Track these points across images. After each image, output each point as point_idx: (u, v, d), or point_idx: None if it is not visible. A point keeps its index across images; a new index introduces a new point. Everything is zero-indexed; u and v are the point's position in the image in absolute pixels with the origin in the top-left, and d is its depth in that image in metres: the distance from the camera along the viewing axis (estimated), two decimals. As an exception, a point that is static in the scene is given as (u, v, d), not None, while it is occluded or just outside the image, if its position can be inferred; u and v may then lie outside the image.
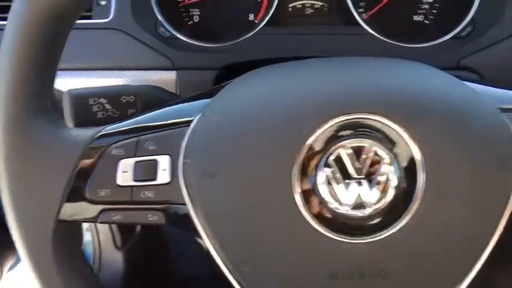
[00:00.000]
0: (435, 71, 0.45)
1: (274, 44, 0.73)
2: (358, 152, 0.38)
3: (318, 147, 0.38)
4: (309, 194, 0.38)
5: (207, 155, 0.39)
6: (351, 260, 0.38)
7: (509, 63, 0.65)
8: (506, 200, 0.39)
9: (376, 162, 0.38)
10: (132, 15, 0.66)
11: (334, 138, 0.38)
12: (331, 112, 0.38)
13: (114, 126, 0.43)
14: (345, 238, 0.38)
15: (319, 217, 0.38)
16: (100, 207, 0.41)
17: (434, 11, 0.79)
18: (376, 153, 0.38)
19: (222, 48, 0.70)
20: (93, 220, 0.41)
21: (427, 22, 0.79)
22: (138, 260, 0.94)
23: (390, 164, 0.38)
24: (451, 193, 0.38)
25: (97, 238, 0.93)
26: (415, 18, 0.80)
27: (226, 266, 0.39)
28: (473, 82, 0.45)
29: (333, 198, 0.38)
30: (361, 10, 0.80)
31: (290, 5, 0.80)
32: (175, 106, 0.44)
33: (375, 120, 0.38)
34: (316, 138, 0.38)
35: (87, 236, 0.97)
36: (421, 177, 0.37)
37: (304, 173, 0.38)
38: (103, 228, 0.90)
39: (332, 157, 0.38)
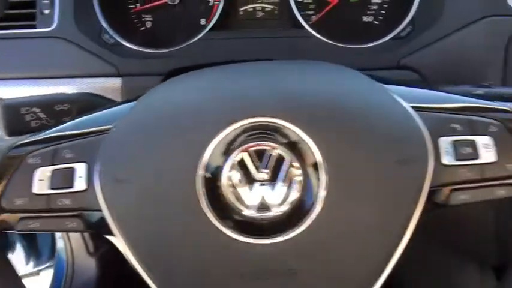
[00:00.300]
0: (348, 73, 0.46)
1: (223, 48, 0.74)
2: (261, 154, 0.39)
3: (221, 150, 0.39)
4: (214, 197, 0.39)
5: (116, 161, 0.40)
6: (259, 261, 0.39)
7: (447, 62, 0.66)
8: (413, 198, 0.40)
9: (279, 164, 0.39)
10: (75, 23, 0.66)
11: (237, 141, 0.39)
12: (234, 116, 0.39)
13: (33, 135, 0.43)
14: (251, 239, 0.39)
15: (225, 219, 0.38)
16: (19, 215, 0.41)
17: (383, 12, 0.80)
18: (279, 156, 0.39)
19: (168, 54, 0.71)
20: (11, 229, 0.41)
21: (377, 23, 0.80)
22: (111, 267, 0.94)
23: (293, 166, 0.39)
24: (354, 193, 0.39)
25: (69, 245, 0.94)
26: (365, 19, 0.81)
27: (141, 269, 0.40)
28: (402, 82, 0.47)
29: (238, 200, 0.39)
30: (310, 12, 0.81)
31: (241, 9, 0.81)
32: (95, 114, 0.45)
33: (277, 123, 0.39)
34: (219, 141, 0.39)
35: (59, 243, 0.97)
36: (323, 178, 0.38)
37: (208, 175, 0.39)
38: (75, 235, 0.90)
39: (235, 160, 0.39)
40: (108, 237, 0.41)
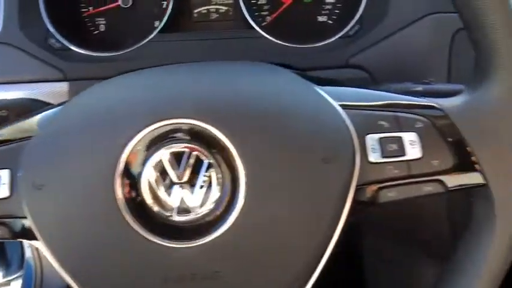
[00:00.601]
0: (278, 72, 0.45)
1: (174, 50, 0.73)
2: (179, 156, 0.38)
3: (139, 153, 0.39)
4: (133, 200, 0.38)
5: (36, 166, 0.39)
6: (182, 264, 0.38)
7: (393, 60, 0.66)
8: (339, 197, 0.40)
9: (198, 166, 0.38)
10: (20, 28, 0.66)
11: (155, 144, 0.38)
12: (150, 118, 0.39)
13: None
14: (173, 243, 0.38)
15: (145, 223, 0.38)
16: None
17: (337, 11, 0.80)
18: (197, 158, 0.38)
19: (117, 57, 0.70)
20: None
21: (331, 22, 0.80)
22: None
23: (211, 167, 0.38)
24: (276, 193, 0.39)
25: (37, 254, 0.92)
26: (320, 18, 0.81)
27: (66, 275, 0.39)
28: (334, 81, 0.46)
29: (158, 204, 0.38)
30: (265, 13, 0.80)
31: (195, 11, 0.80)
32: (23, 119, 0.44)
33: (194, 124, 0.39)
34: (136, 144, 0.38)
35: (28, 252, 0.96)
36: (242, 179, 0.38)
37: (127, 178, 0.38)
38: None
39: (154, 163, 0.38)
40: (36, 244, 0.41)
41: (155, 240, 0.38)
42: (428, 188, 0.42)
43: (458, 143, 0.42)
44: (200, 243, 0.38)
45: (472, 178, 0.42)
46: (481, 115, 0.41)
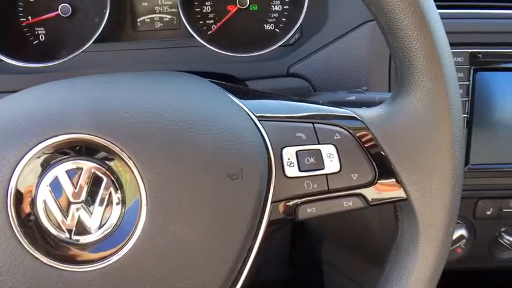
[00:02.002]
0: (198, 84, 0.42)
1: (112, 60, 0.70)
2: (76, 174, 0.35)
3: (34, 170, 0.35)
4: (29, 221, 0.34)
5: None
6: None
7: (333, 68, 0.63)
8: (253, 214, 0.37)
9: (95, 184, 0.35)
10: None
11: (49, 160, 0.35)
12: (45, 133, 0.35)
13: None
14: (71, 267, 0.34)
15: (41, 245, 0.34)
16: None
17: (284, 19, 0.77)
18: (95, 175, 0.35)
19: (53, 68, 0.66)
20: None
21: (278, 31, 0.77)
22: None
23: (111, 185, 0.35)
24: (179, 214, 0.35)
25: None
26: (266, 27, 0.78)
27: None
28: (260, 93, 0.43)
29: (54, 224, 0.34)
30: (210, 22, 0.77)
31: (138, 20, 0.77)
32: None
33: (92, 140, 0.35)
34: (29, 161, 0.34)
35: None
36: (144, 198, 0.34)
37: (21, 198, 0.34)
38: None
39: (49, 181, 0.34)
40: None
41: (52, 264, 0.34)
42: (349, 203, 0.39)
43: (377, 156, 0.39)
44: (100, 266, 0.34)
45: (393, 192, 0.39)
46: (399, 126, 0.39)
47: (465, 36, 0.63)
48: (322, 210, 0.39)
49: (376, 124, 0.39)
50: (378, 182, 0.39)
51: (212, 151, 0.36)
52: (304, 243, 0.90)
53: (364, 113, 0.40)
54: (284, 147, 0.38)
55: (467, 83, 0.63)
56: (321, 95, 0.57)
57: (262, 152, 0.37)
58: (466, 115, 0.64)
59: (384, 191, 0.39)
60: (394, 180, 0.39)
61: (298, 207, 0.39)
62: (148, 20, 0.78)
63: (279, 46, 0.67)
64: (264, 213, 0.37)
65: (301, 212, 0.39)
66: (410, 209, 0.39)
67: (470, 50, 0.63)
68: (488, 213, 0.71)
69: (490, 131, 0.66)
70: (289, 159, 0.38)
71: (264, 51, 0.67)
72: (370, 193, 0.39)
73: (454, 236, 0.73)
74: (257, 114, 0.40)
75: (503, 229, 0.75)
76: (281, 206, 0.38)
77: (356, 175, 0.38)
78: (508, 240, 0.74)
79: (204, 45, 0.68)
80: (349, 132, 0.39)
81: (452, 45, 0.63)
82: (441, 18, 0.62)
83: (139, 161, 0.34)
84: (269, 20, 0.77)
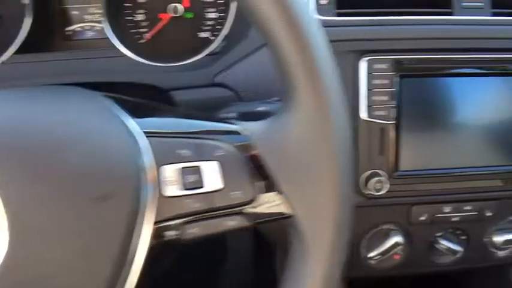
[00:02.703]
0: (74, 98, 0.40)
1: (35, 71, 0.67)
2: None
3: None
4: None
5: None
6: None
7: (257, 77, 0.62)
8: (123, 238, 0.34)
9: None
10: None
11: None
12: None
13: None
14: None
15: None
16: None
17: (219, 27, 0.75)
18: None
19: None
20: None
21: (213, 38, 0.75)
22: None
23: None
24: (43, 238, 0.33)
25: None
26: (202, 35, 0.76)
27: None
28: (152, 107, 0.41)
29: None
30: (143, 30, 0.75)
31: (67, 29, 0.74)
32: None
33: None
34: None
35: None
36: (4, 224, 0.32)
37: None
38: None
39: None
40: None
41: None
42: (232, 223, 0.37)
43: (262, 172, 0.37)
44: None
45: (278, 209, 0.37)
46: (283, 142, 0.37)
47: (388, 43, 0.61)
48: (206, 229, 0.37)
49: (261, 139, 0.37)
50: (262, 199, 0.37)
51: (80, 172, 0.34)
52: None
53: (251, 127, 0.38)
54: (164, 164, 0.36)
55: (393, 89, 0.62)
56: (235, 106, 0.56)
57: (136, 171, 0.35)
58: (394, 122, 0.63)
59: (269, 208, 0.37)
60: (278, 197, 0.37)
61: (182, 227, 0.37)
62: (79, 28, 0.75)
63: (206, 55, 0.65)
64: (140, 235, 0.35)
65: (185, 233, 0.37)
66: (297, 226, 0.37)
67: (394, 57, 0.61)
68: (423, 218, 0.70)
69: (419, 137, 0.64)
70: (169, 177, 0.36)
71: (189, 61, 0.65)
72: (254, 211, 0.37)
73: (389, 243, 0.71)
74: (142, 130, 0.37)
75: (439, 234, 0.73)
76: (163, 227, 0.36)
77: (239, 192, 0.36)
78: (444, 245, 0.73)
79: (127, 55, 0.66)
80: (233, 148, 0.37)
81: (375, 52, 0.62)
82: (364, 26, 0.62)
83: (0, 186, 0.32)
84: (204, 28, 0.75)
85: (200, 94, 0.63)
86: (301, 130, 0.36)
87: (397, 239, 0.71)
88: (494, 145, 0.67)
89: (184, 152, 0.37)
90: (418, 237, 0.73)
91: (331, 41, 0.59)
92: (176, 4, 0.73)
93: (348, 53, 0.61)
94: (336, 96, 0.36)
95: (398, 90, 0.62)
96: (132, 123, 0.38)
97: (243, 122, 0.40)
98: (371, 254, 0.72)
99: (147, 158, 0.36)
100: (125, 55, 0.69)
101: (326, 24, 0.60)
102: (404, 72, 0.62)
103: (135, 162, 0.35)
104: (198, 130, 0.38)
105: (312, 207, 0.36)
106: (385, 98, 0.62)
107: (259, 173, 0.37)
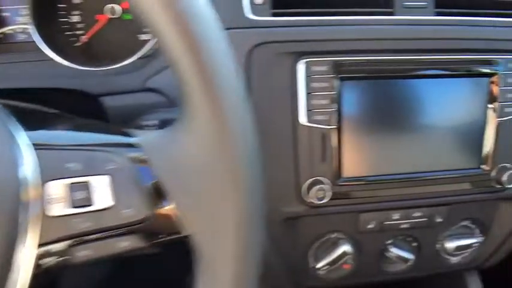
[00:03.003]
0: None
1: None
2: None
3: None
4: None
5: None
6: None
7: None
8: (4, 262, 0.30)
9: None
10: None
11: None
12: None
13: None
14: None
15: None
16: None
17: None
18: None
19: None
20: None
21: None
22: None
23: None
24: None
25: None
26: (142, 37, 0.72)
27: None
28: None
29: None
30: (80, 32, 0.71)
31: (-1, 31, 0.70)
32: None
33: None
34: None
35: None
36: None
37: None
38: None
39: None
40: None
41: None
42: (125, 244, 0.33)
43: (156, 189, 0.33)
44: None
45: (174, 229, 0.33)
46: (174, 153, 0.33)
47: (327, 44, 0.58)
48: (100, 252, 0.33)
49: (154, 152, 0.33)
50: (157, 217, 0.33)
51: None
52: None
53: (147, 138, 0.34)
54: (50, 180, 0.32)
55: (333, 93, 0.59)
56: (158, 112, 0.52)
57: (15, 187, 0.31)
58: (335, 126, 0.60)
59: (163, 228, 0.33)
60: (174, 215, 0.33)
61: (70, 250, 0.33)
62: (10, 31, 0.71)
63: (139, 58, 0.61)
64: (21, 261, 0.31)
65: (75, 256, 0.33)
66: (196, 247, 0.33)
67: (333, 59, 0.58)
68: (371, 226, 0.67)
69: (362, 142, 0.61)
70: (56, 194, 0.32)
71: (119, 65, 0.61)
72: (149, 231, 0.33)
73: (337, 253, 0.68)
74: (32, 143, 0.34)
75: (389, 242, 0.71)
76: (48, 251, 0.32)
77: (131, 210, 0.33)
78: (394, 253, 0.70)
79: (52, 59, 0.61)
80: (126, 161, 0.33)
81: (314, 54, 0.59)
82: (301, 26, 0.58)
83: None
84: (145, 30, 0.71)
85: (131, 99, 0.59)
86: (194, 141, 0.32)
87: (345, 248, 0.68)
88: (442, 149, 0.64)
89: (73, 166, 0.33)
90: (368, 246, 0.70)
91: (267, 43, 0.57)
92: (113, 5, 0.69)
93: (285, 54, 0.57)
94: (235, 102, 0.32)
95: (338, 93, 0.59)
96: (22, 135, 0.34)
97: (144, 132, 0.36)
98: (319, 265, 0.69)
99: (32, 173, 0.32)
100: (49, 59, 0.65)
101: (261, 25, 0.57)
102: (345, 74, 0.59)
103: (14, 177, 0.31)
104: (91, 143, 0.35)
105: (211, 228, 0.32)
106: (325, 101, 0.59)
107: (153, 188, 0.33)
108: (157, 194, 0.33)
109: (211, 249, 0.32)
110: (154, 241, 0.33)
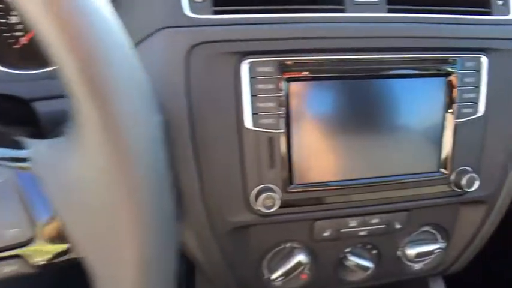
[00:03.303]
0: None
1: None
2: None
3: None
4: None
5: None
6: None
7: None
8: None
9: None
10: None
11: None
12: None
13: None
14: None
15: None
16: None
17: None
18: None
19: None
20: None
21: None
22: None
23: None
24: None
25: None
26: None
27: None
28: None
29: None
30: (19, 34, 0.67)
31: None
32: None
33: None
34: None
35: None
36: None
37: None
38: None
39: None
40: None
41: None
42: (11, 268, 0.29)
43: (44, 205, 0.29)
44: None
45: (64, 250, 0.29)
46: (61, 167, 0.29)
47: (272, 44, 0.54)
48: None
49: (41, 164, 0.29)
50: (44, 237, 0.29)
51: None
52: None
53: (39, 150, 0.30)
54: None
55: (280, 95, 0.55)
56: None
57: None
58: (283, 130, 0.56)
59: (53, 249, 0.29)
60: (63, 235, 0.29)
61: None
62: None
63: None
64: None
65: None
66: (91, 270, 0.29)
67: (279, 58, 0.55)
68: (327, 234, 0.64)
69: (314, 146, 0.58)
70: None
71: (51, 68, 0.57)
72: (36, 253, 0.29)
73: (292, 263, 0.64)
74: None
75: (347, 250, 0.67)
76: None
77: (15, 230, 0.29)
78: (353, 262, 0.67)
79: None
80: (12, 174, 0.29)
81: (258, 53, 0.55)
82: (244, 24, 0.55)
83: None
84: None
85: (62, 105, 0.55)
86: (82, 154, 0.28)
87: (300, 257, 0.64)
88: (400, 152, 0.61)
89: None
90: (325, 255, 0.67)
91: (208, 42, 0.53)
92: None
93: (227, 54, 0.54)
94: (129, 106, 0.28)
95: (286, 95, 0.55)
96: None
97: (39, 142, 0.32)
98: (274, 276, 0.65)
99: None
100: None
101: (201, 23, 0.53)
102: (292, 75, 0.55)
103: None
104: None
105: (104, 250, 0.28)
106: (271, 104, 0.55)
107: (42, 206, 0.29)
108: (46, 212, 0.29)
109: (104, 275, 0.28)
110: (43, 263, 0.29)
